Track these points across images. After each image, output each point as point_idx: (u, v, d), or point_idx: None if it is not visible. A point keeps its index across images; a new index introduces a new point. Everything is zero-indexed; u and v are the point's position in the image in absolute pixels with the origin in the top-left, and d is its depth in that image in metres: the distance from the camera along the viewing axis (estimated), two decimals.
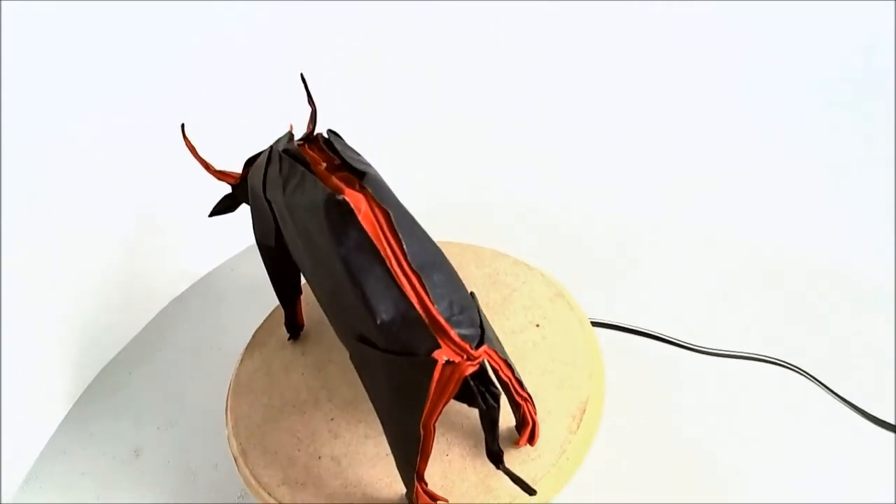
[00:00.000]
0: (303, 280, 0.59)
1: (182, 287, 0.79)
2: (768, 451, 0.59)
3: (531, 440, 0.48)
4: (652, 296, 0.71)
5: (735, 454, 0.59)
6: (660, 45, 0.88)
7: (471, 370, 0.38)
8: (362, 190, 0.41)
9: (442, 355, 0.37)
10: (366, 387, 0.44)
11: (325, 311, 0.48)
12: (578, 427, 0.52)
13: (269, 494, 0.51)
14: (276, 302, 0.64)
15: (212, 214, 0.63)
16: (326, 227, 0.40)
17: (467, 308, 0.40)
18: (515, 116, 0.91)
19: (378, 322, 0.39)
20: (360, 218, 0.40)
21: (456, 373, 0.38)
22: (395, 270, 0.39)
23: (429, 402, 0.38)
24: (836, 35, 0.80)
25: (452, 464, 0.50)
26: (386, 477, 0.50)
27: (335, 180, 0.41)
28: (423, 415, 0.39)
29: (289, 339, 0.60)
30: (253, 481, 0.52)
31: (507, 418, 0.52)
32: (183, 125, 0.58)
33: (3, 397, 0.60)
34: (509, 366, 0.42)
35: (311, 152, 0.46)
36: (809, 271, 0.72)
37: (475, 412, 0.52)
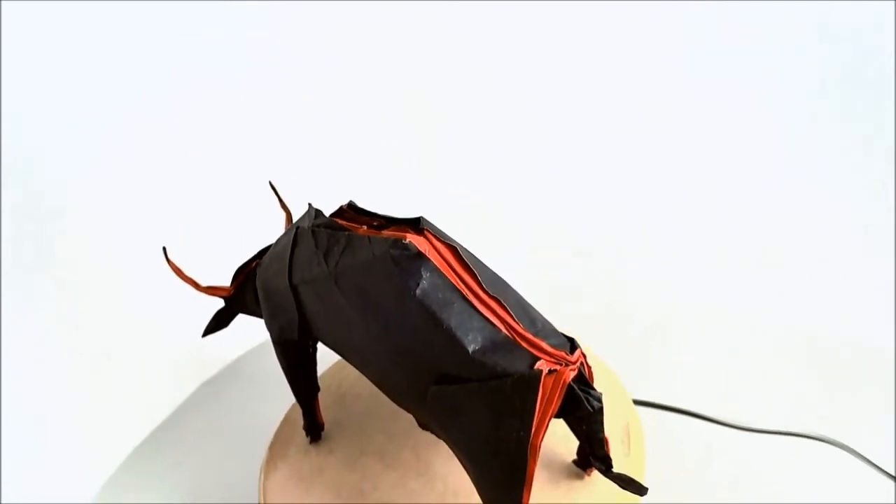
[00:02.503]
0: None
1: (212, 371, 0.76)
2: None
3: None
4: (684, 373, 0.71)
5: None
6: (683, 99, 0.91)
7: (572, 375, 0.40)
8: (420, 233, 0.42)
9: (543, 365, 0.39)
10: (450, 435, 0.43)
11: (378, 379, 0.48)
12: (630, 450, 0.53)
13: None
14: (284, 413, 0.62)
15: (206, 334, 0.61)
16: (396, 275, 0.41)
17: (545, 322, 0.42)
18: (538, 186, 0.90)
19: (470, 351, 0.40)
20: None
21: (560, 380, 0.39)
22: (473, 301, 0.41)
23: (536, 417, 0.39)
24: None
25: None
26: None
27: (388, 233, 0.43)
28: (532, 434, 0.39)
29: (310, 442, 0.58)
30: None
31: (562, 456, 0.53)
32: (164, 248, 0.57)
33: (30, 482, 0.60)
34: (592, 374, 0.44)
35: (343, 222, 0.47)
36: (851, 348, 0.71)
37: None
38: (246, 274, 0.58)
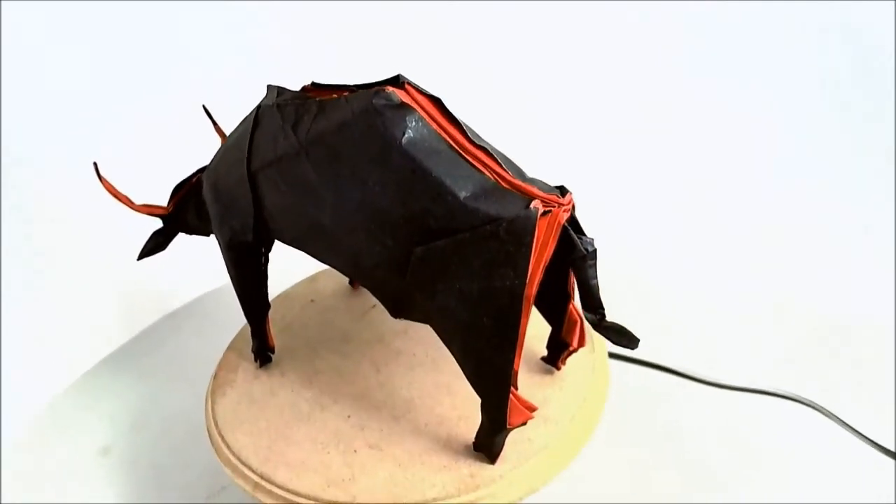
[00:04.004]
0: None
1: (176, 304, 0.75)
2: (777, 483, 0.58)
3: (582, 340, 0.49)
4: (663, 331, 0.69)
5: (743, 486, 0.57)
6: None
7: (566, 216, 0.39)
8: (401, 87, 0.41)
9: (538, 205, 0.38)
10: (435, 301, 0.41)
11: (350, 261, 0.45)
12: (594, 347, 0.53)
13: (317, 500, 0.45)
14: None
15: (141, 257, 0.57)
16: (380, 125, 0.39)
17: (532, 176, 0.41)
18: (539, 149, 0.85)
19: (462, 198, 0.38)
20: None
21: (554, 221, 0.38)
22: (460, 151, 0.40)
23: (532, 262, 0.38)
24: None
25: None
26: (435, 443, 0.47)
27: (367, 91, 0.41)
28: (526, 282, 0.38)
29: (259, 366, 0.54)
30: (293, 497, 0.45)
31: (532, 353, 0.52)
32: (96, 164, 0.53)
33: None
34: None
35: (311, 94, 0.45)
36: (835, 317, 0.72)
37: None
38: (186, 190, 0.55)
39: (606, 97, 0.93)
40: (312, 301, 0.61)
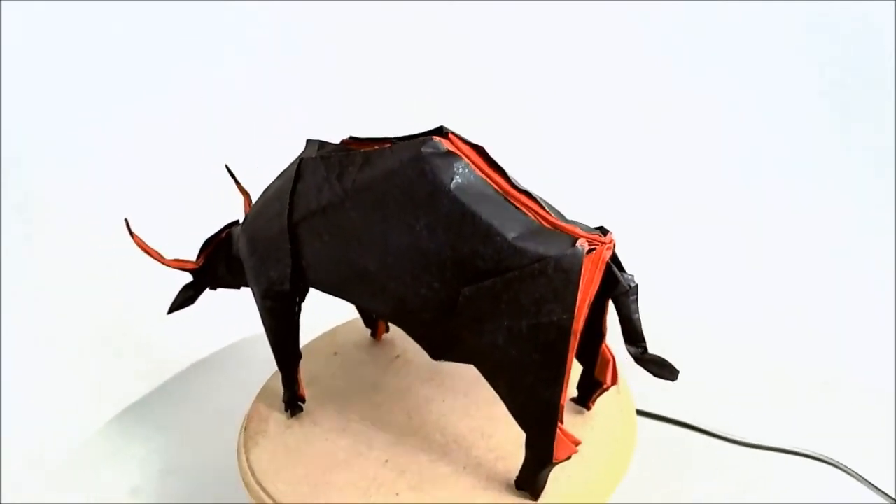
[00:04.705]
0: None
1: (213, 349, 0.75)
2: None
3: (615, 378, 0.50)
4: (688, 389, 0.65)
5: None
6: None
7: (608, 254, 0.42)
8: (444, 137, 0.43)
9: (584, 244, 0.40)
10: (483, 340, 0.42)
11: (393, 304, 0.46)
12: (619, 389, 0.55)
13: None
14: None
15: (171, 311, 0.57)
16: (429, 172, 0.42)
17: (569, 218, 0.44)
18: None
19: (510, 239, 0.41)
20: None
21: (599, 258, 0.41)
22: (505, 195, 0.42)
23: (579, 297, 0.40)
24: None
25: None
26: (476, 483, 0.48)
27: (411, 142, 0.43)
28: (574, 316, 0.40)
29: (290, 416, 0.55)
30: None
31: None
32: (127, 220, 0.54)
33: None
34: None
35: (353, 146, 0.47)
36: (853, 371, 0.72)
37: None
38: (215, 245, 0.56)
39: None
40: (336, 353, 0.62)
